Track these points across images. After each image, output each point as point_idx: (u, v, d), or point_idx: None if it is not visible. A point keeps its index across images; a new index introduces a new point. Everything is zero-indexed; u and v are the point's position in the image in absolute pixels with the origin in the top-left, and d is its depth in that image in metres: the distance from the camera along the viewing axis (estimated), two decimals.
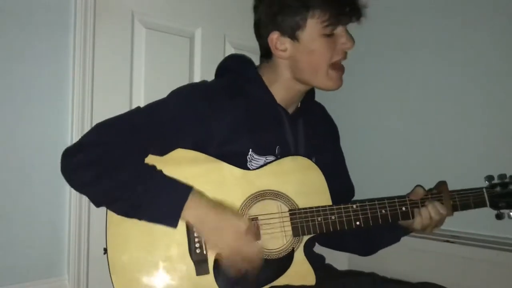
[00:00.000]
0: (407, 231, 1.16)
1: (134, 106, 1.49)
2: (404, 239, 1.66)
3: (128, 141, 1.00)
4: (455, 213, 1.56)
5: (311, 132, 1.19)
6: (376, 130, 1.85)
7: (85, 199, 1.35)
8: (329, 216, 1.06)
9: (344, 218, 1.06)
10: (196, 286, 0.99)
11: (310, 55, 1.07)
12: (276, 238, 1.05)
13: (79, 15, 1.36)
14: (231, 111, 1.07)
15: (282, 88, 1.13)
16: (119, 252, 0.99)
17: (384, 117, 1.82)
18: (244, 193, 1.04)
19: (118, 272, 0.98)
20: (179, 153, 1.04)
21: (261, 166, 1.08)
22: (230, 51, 1.74)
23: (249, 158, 1.08)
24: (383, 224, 1.08)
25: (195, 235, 1.01)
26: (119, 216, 0.98)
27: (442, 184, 1.15)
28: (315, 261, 1.16)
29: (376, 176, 1.79)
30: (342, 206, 1.07)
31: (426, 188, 1.16)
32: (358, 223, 1.06)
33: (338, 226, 1.06)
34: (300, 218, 1.05)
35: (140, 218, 0.97)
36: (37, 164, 1.31)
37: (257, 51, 1.22)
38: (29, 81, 1.30)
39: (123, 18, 1.47)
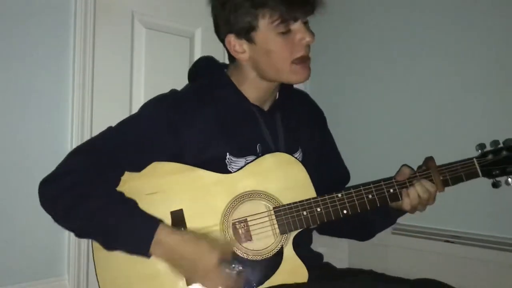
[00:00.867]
0: (399, 212, 1.14)
1: (134, 106, 1.50)
2: (404, 239, 1.67)
3: (101, 165, 1.00)
4: (456, 213, 1.57)
5: (292, 124, 1.17)
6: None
7: None
8: (315, 209, 1.04)
9: (331, 209, 1.04)
10: None
11: (268, 56, 1.04)
12: (267, 237, 1.04)
13: (79, 15, 1.36)
14: (201, 118, 1.07)
15: (252, 88, 1.12)
16: (108, 273, 0.99)
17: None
18: (227, 197, 1.03)
19: None
20: (157, 166, 1.04)
21: (242, 168, 1.07)
22: None
23: (227, 161, 1.07)
24: (372, 208, 1.07)
25: None
26: None
27: (429, 160, 1.11)
28: (313, 259, 1.16)
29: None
30: (326, 197, 1.05)
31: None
32: (345, 211, 1.05)
33: (325, 218, 1.04)
34: (285, 215, 1.04)
35: (116, 250, 0.97)
36: (37, 164, 1.31)
37: None
38: (29, 81, 1.30)
39: (123, 18, 1.47)
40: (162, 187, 1.01)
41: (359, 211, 1.06)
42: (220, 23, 1.09)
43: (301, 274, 1.03)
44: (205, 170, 1.04)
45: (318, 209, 1.04)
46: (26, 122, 1.30)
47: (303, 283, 1.03)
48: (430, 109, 1.67)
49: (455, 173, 1.09)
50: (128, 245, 0.96)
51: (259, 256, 1.03)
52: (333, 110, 1.39)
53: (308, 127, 1.22)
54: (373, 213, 1.10)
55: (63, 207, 0.97)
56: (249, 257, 1.02)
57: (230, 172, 1.07)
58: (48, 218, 1.33)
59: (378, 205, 1.07)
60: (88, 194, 0.97)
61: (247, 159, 1.08)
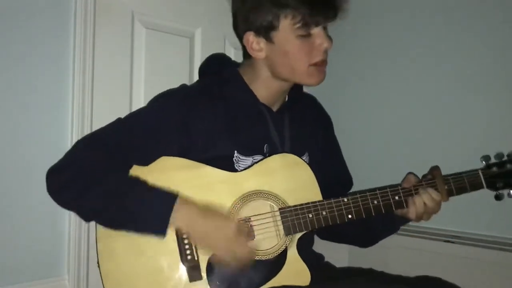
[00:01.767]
0: (404, 220, 1.14)
1: (134, 106, 1.49)
2: (404, 239, 1.67)
3: (110, 154, 1.00)
4: (456, 213, 1.57)
5: (300, 127, 1.17)
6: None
7: None
8: (320, 212, 1.04)
9: (336, 213, 1.04)
10: None
11: (285, 57, 1.04)
12: (270, 238, 1.04)
13: (79, 15, 1.36)
14: (211, 115, 1.06)
15: (263, 87, 1.11)
16: (111, 265, 0.99)
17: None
18: (233, 196, 1.03)
19: (111, 282, 0.98)
20: (165, 161, 1.04)
21: (249, 167, 1.07)
22: (230, 51, 1.74)
23: (235, 160, 1.07)
24: (377, 215, 1.07)
25: (185, 241, 1.00)
26: (107, 231, 0.98)
27: (435, 169, 1.12)
28: (314, 260, 1.16)
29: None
30: (333, 201, 1.05)
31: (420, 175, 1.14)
32: (350, 216, 1.05)
33: (330, 221, 1.04)
34: (291, 216, 1.03)
35: (128, 230, 0.97)
36: (37, 164, 1.31)
37: None
38: (30, 81, 1.30)
39: (123, 18, 1.47)
40: (168, 182, 1.00)
41: (364, 216, 1.06)
42: (239, 19, 1.09)
43: (303, 277, 1.03)
44: (212, 168, 1.04)
45: (324, 212, 1.04)
46: (26, 122, 1.29)
47: (305, 286, 1.03)
48: (433, 113, 1.66)
49: (460, 184, 1.10)
50: (145, 221, 0.95)
51: (263, 256, 1.03)
52: (334, 113, 1.38)
53: (314, 131, 1.22)
54: (377, 219, 1.10)
55: (73, 195, 0.97)
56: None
57: (237, 171, 1.06)
58: (48, 218, 1.34)
59: (383, 211, 1.07)
60: (100, 177, 0.96)
61: (254, 158, 1.08)
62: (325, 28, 1.05)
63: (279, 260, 1.03)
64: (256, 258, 1.02)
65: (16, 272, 1.27)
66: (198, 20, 1.66)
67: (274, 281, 1.02)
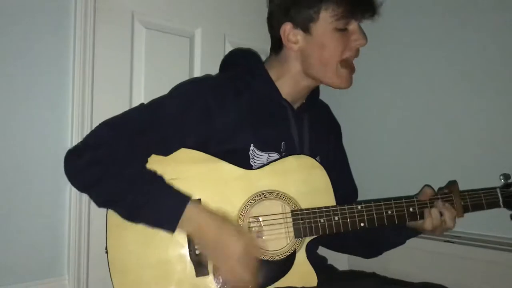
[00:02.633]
0: (415, 232, 1.13)
1: (134, 106, 1.49)
2: None
3: (131, 141, 1.00)
4: None
5: (315, 130, 1.18)
6: (382, 131, 1.83)
7: (85, 199, 1.35)
8: (333, 217, 1.03)
9: (348, 219, 1.03)
10: (195, 287, 0.99)
11: (321, 49, 1.05)
12: (279, 239, 1.03)
13: (79, 15, 1.36)
14: (234, 107, 1.06)
15: (290, 83, 1.12)
16: (119, 253, 0.99)
17: (389, 117, 1.81)
18: (246, 193, 1.03)
19: (118, 273, 0.98)
20: (182, 153, 1.04)
21: (264, 165, 1.06)
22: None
23: (251, 154, 1.07)
24: (389, 225, 1.06)
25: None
26: (119, 218, 0.98)
27: (452, 184, 1.11)
28: (318, 262, 1.15)
29: (381, 177, 1.78)
30: (346, 207, 1.04)
31: (436, 188, 1.14)
32: (362, 224, 1.04)
33: (342, 228, 1.03)
34: (303, 219, 1.03)
35: (139, 222, 0.97)
36: (37, 164, 1.31)
37: (258, 51, 1.22)
38: (29, 81, 1.29)
39: (123, 18, 1.47)
40: (184, 174, 1.01)
41: (376, 225, 1.05)
42: (277, 11, 1.10)
43: (310, 280, 1.03)
44: (227, 163, 1.04)
45: (336, 218, 1.03)
46: (26, 122, 1.29)
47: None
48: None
49: (477, 201, 1.09)
50: (156, 218, 0.95)
51: (271, 257, 1.02)
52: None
53: (326, 137, 1.23)
54: (386, 231, 1.10)
55: (93, 177, 0.97)
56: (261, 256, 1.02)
57: (251, 166, 1.06)
58: (48, 218, 1.34)
59: (396, 222, 1.06)
60: (120, 165, 0.96)
61: (270, 155, 1.08)
62: (360, 25, 1.07)
63: (287, 262, 1.03)
64: (264, 258, 1.02)
65: (16, 272, 1.27)
66: (198, 20, 1.65)
67: (281, 282, 1.02)
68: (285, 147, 1.10)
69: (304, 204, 1.05)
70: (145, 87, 1.52)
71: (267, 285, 1.01)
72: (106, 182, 0.96)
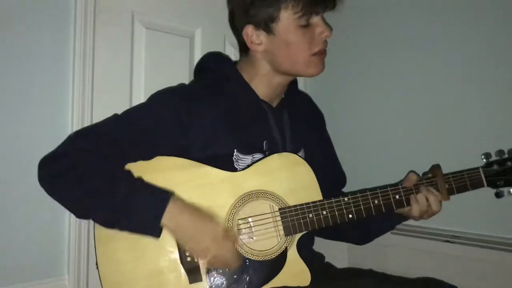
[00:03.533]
0: (402, 218, 1.14)
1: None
2: (404, 239, 1.67)
3: (104, 148, 0.98)
4: (456, 213, 1.56)
5: (297, 124, 1.17)
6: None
7: None
8: (321, 212, 1.03)
9: (336, 212, 1.04)
10: None
11: (287, 48, 1.04)
12: (270, 238, 1.03)
13: (79, 15, 1.36)
14: (210, 113, 1.06)
15: (263, 83, 1.11)
16: (110, 267, 0.98)
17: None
18: (233, 196, 1.02)
19: (110, 286, 0.98)
20: (163, 161, 1.02)
21: (248, 166, 1.06)
22: (230, 51, 1.74)
23: (235, 158, 1.06)
24: (377, 214, 1.06)
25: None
26: (106, 233, 0.96)
27: (436, 168, 1.12)
28: (315, 260, 1.15)
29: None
30: (333, 200, 1.04)
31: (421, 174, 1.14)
32: (350, 216, 1.04)
33: (330, 221, 1.04)
34: (291, 216, 1.03)
35: (121, 229, 0.95)
36: (37, 164, 1.31)
37: None
38: (29, 81, 1.30)
39: (123, 18, 1.47)
40: (168, 183, 0.99)
41: (364, 216, 1.05)
42: (237, 13, 1.08)
43: (304, 277, 1.02)
44: (212, 167, 1.03)
45: (324, 212, 1.04)
46: (26, 122, 1.29)
47: (305, 286, 1.02)
48: (432, 110, 1.66)
49: (461, 182, 1.10)
50: (137, 222, 0.93)
51: (262, 257, 1.02)
52: (333, 111, 1.38)
53: (309, 128, 1.22)
54: (375, 218, 1.10)
55: (64, 186, 0.95)
56: (252, 257, 1.02)
57: (236, 169, 1.06)
58: (48, 218, 1.34)
59: (384, 210, 1.07)
60: (91, 172, 0.94)
61: (254, 156, 1.08)
62: (323, 18, 1.06)
63: (279, 261, 1.03)
64: (256, 259, 1.02)
65: (16, 272, 1.27)
66: (198, 20, 1.66)
67: (275, 282, 1.01)
68: (267, 146, 1.09)
69: (291, 201, 1.04)
70: (145, 87, 1.52)
71: (262, 286, 1.01)
72: (79, 189, 0.93)
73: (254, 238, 1.03)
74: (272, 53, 1.07)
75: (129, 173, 0.97)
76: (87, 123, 1.36)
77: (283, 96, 1.18)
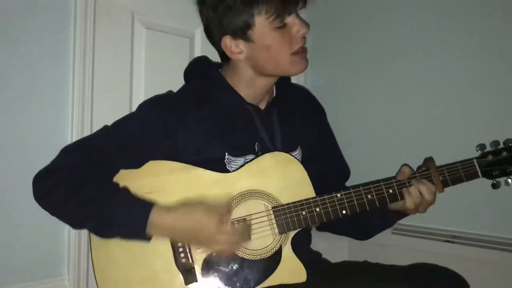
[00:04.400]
0: (399, 214, 1.13)
1: (134, 106, 1.49)
2: (404, 239, 1.67)
3: (93, 161, 1.01)
4: (456, 213, 1.57)
5: (291, 121, 1.17)
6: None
7: None
8: (314, 208, 1.04)
9: (330, 209, 1.04)
10: None
11: (267, 51, 1.05)
12: (265, 237, 1.04)
13: (79, 15, 1.36)
14: (197, 119, 1.07)
15: (248, 86, 1.12)
16: (107, 273, 1.00)
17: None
18: (226, 197, 1.03)
19: None
20: (156, 165, 1.04)
21: (241, 167, 1.07)
22: None
23: (226, 161, 1.07)
24: (372, 209, 1.06)
25: (179, 244, 1.01)
26: (101, 239, 0.99)
27: (429, 161, 1.11)
28: (312, 258, 1.16)
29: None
30: (326, 197, 1.04)
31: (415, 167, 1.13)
32: (344, 212, 1.04)
33: (324, 218, 1.04)
34: (284, 214, 1.03)
35: (112, 237, 0.98)
36: (37, 164, 1.30)
37: None
38: (29, 81, 1.30)
39: (123, 18, 1.47)
40: (160, 186, 1.01)
41: (358, 211, 1.05)
42: (212, 26, 1.09)
43: (299, 274, 1.03)
44: (204, 169, 1.04)
45: (317, 209, 1.04)
46: (26, 122, 1.29)
47: (302, 283, 1.03)
48: (430, 107, 1.66)
49: (455, 174, 1.09)
50: (125, 230, 0.96)
51: (258, 256, 1.03)
52: (333, 107, 1.38)
53: (307, 123, 1.22)
54: (371, 214, 1.10)
55: (57, 200, 0.98)
56: (247, 257, 1.02)
57: (229, 171, 1.07)
58: (48, 218, 1.33)
59: (378, 205, 1.06)
60: (81, 185, 0.97)
61: (246, 158, 1.09)
62: (297, 15, 1.06)
63: (274, 259, 1.03)
64: (251, 258, 1.02)
65: (16, 272, 1.27)
66: (198, 20, 1.63)
67: (271, 280, 1.02)
68: (259, 147, 1.10)
69: (285, 199, 1.05)
70: (145, 87, 1.52)
71: (258, 284, 1.01)
72: (70, 202, 0.97)
73: (249, 238, 1.03)
74: (253, 58, 1.08)
75: (116, 185, 1.00)
76: (87, 123, 1.36)
77: (274, 95, 1.18)
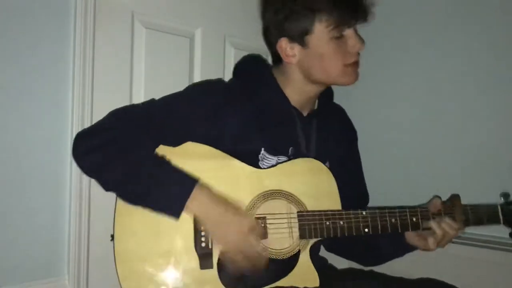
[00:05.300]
0: (413, 248, 1.15)
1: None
2: None
3: (140, 128, 1.02)
4: None
5: (325, 135, 1.19)
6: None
7: (85, 199, 1.35)
8: (338, 221, 1.05)
9: (353, 224, 1.05)
10: (199, 279, 1.00)
11: (320, 60, 1.07)
12: (283, 238, 1.04)
13: (79, 15, 1.36)
14: (244, 111, 1.08)
15: (296, 91, 1.13)
16: (125, 241, 1.00)
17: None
18: (253, 192, 1.04)
19: (123, 261, 0.99)
20: (191, 146, 1.05)
21: (273, 166, 1.08)
22: (230, 51, 1.74)
23: (261, 157, 1.08)
24: (392, 232, 1.07)
25: (202, 228, 1.01)
26: (127, 206, 0.99)
27: (455, 198, 1.13)
28: (318, 264, 1.16)
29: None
30: (351, 212, 1.06)
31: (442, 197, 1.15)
32: (366, 230, 1.05)
33: (346, 232, 1.05)
34: (308, 221, 1.04)
35: (145, 206, 0.98)
36: (37, 164, 1.31)
37: (258, 51, 1.23)
38: (29, 81, 1.30)
39: (123, 18, 1.47)
40: (192, 168, 1.01)
41: (379, 232, 1.06)
42: (271, 27, 1.11)
43: (312, 282, 1.03)
44: (238, 161, 1.05)
45: (341, 222, 1.05)
46: (26, 122, 1.29)
47: None
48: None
49: (478, 215, 1.11)
50: (164, 200, 0.96)
51: (275, 255, 1.03)
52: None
53: (338, 141, 1.23)
54: (388, 242, 1.12)
55: (98, 162, 0.99)
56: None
57: (260, 167, 1.08)
58: (48, 218, 1.34)
59: (399, 230, 1.08)
60: (129, 148, 0.98)
61: (279, 158, 1.10)
62: (355, 30, 1.08)
63: (290, 262, 1.04)
64: (269, 256, 1.02)
65: (16, 272, 1.27)
66: (198, 20, 1.65)
67: (283, 282, 1.03)
68: (292, 152, 1.11)
69: (310, 206, 1.06)
70: (145, 87, 1.52)
71: (269, 283, 1.02)
72: (113, 165, 0.98)
73: (268, 236, 1.04)
74: (305, 64, 1.09)
75: (161, 156, 1.01)
76: (87, 123, 1.36)
77: (315, 107, 1.20)
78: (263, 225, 1.04)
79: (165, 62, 1.57)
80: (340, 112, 1.33)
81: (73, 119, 1.36)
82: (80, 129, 1.35)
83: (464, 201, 1.14)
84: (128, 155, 0.98)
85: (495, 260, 1.46)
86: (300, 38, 1.06)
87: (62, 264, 1.37)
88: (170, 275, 0.99)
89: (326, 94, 1.20)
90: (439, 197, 1.14)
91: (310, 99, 1.17)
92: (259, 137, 1.08)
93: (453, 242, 1.55)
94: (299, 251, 1.05)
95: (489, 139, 1.52)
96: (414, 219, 1.08)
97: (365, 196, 1.31)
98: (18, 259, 1.28)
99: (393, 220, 1.07)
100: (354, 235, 1.05)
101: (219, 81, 1.18)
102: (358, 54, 1.09)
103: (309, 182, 1.07)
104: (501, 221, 1.12)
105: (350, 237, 1.06)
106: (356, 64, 1.09)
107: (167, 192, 0.96)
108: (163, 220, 0.97)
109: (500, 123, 1.50)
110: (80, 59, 1.36)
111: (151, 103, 1.09)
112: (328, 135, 1.20)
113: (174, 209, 0.96)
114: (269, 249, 1.03)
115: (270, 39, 1.13)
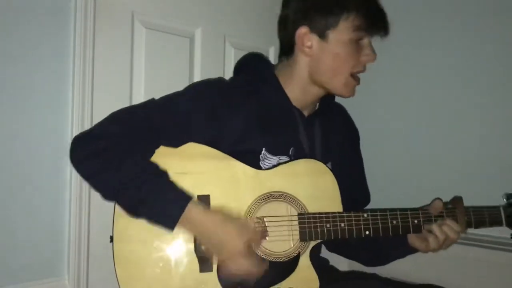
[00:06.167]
0: (414, 251, 1.13)
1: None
2: None
3: (138, 132, 1.00)
4: None
5: (327, 135, 1.18)
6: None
7: (85, 199, 1.35)
8: (339, 223, 1.03)
9: (354, 227, 1.04)
10: (198, 282, 0.99)
11: (334, 58, 1.06)
12: (283, 241, 1.03)
13: (79, 15, 1.36)
14: (244, 110, 1.07)
15: (298, 90, 1.12)
16: (124, 243, 0.99)
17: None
18: (254, 193, 1.03)
19: (122, 264, 0.98)
20: (192, 147, 1.03)
21: (274, 166, 1.07)
22: (230, 51, 1.74)
23: (262, 157, 1.07)
24: (394, 235, 1.06)
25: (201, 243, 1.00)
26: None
27: (457, 200, 1.12)
28: (319, 264, 1.15)
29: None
30: (352, 214, 1.04)
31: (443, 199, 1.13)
32: (367, 232, 1.04)
33: (347, 234, 1.03)
34: (309, 223, 1.03)
35: (139, 218, 0.97)
36: (37, 164, 1.31)
37: (258, 51, 1.22)
38: (30, 81, 1.30)
39: (123, 18, 1.47)
40: (193, 169, 1.00)
41: (381, 234, 1.05)
42: (293, 14, 1.09)
43: (312, 284, 1.02)
44: (239, 161, 1.04)
45: (342, 225, 1.04)
46: (26, 122, 1.29)
47: None
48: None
49: (480, 217, 1.10)
50: (156, 216, 0.95)
51: (274, 258, 1.02)
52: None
53: (340, 141, 1.22)
54: (390, 244, 1.11)
55: (94, 169, 0.97)
56: (264, 256, 1.02)
57: (261, 168, 1.06)
58: (48, 218, 1.34)
59: (401, 233, 1.07)
60: (124, 157, 0.96)
61: (280, 158, 1.08)
62: (371, 42, 1.07)
63: (290, 265, 1.03)
64: (267, 258, 1.01)
65: (16, 272, 1.27)
66: (198, 20, 1.66)
67: (283, 284, 1.02)
68: (293, 153, 1.10)
69: (311, 208, 1.04)
70: (145, 87, 1.52)
71: (270, 286, 1.01)
72: (108, 172, 0.96)
73: (267, 238, 1.03)
74: (317, 58, 1.07)
75: (157, 166, 0.99)
76: (87, 123, 1.36)
77: (317, 106, 1.19)
78: (263, 227, 1.03)
79: (165, 62, 1.57)
80: (342, 112, 1.32)
81: (73, 119, 1.36)
82: (80, 129, 1.36)
83: (466, 202, 1.13)
84: (122, 163, 0.96)
85: (495, 260, 1.45)
86: (322, 30, 1.05)
87: (62, 264, 1.37)
88: (170, 277, 0.99)
89: (328, 94, 1.19)
90: (441, 199, 1.13)
91: (311, 100, 1.15)
92: (259, 137, 1.07)
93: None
94: (299, 254, 1.04)
95: (491, 140, 1.52)
96: (416, 221, 1.07)
97: (366, 197, 1.30)
98: (18, 259, 1.28)
99: (394, 222, 1.06)
100: (355, 237, 1.05)
101: (220, 79, 1.17)
102: (365, 67, 1.08)
103: (310, 184, 1.05)
104: (504, 223, 1.11)
105: (351, 238, 1.05)
106: (358, 79, 1.09)
107: (160, 209, 0.95)
108: None
109: (503, 124, 1.50)
110: (80, 59, 1.36)
111: (151, 103, 1.07)
112: (330, 135, 1.19)
113: (167, 225, 0.95)
114: (269, 251, 1.03)
115: (287, 26, 1.10)
